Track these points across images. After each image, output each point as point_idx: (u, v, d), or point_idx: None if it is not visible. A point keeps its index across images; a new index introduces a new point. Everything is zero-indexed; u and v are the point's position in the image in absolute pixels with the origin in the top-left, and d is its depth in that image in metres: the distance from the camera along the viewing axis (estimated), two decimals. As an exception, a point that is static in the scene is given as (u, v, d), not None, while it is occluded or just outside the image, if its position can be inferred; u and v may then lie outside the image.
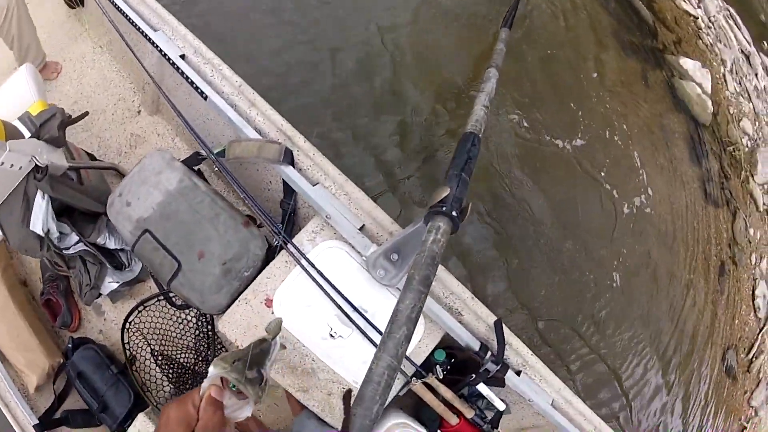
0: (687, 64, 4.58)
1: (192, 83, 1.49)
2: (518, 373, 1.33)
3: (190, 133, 1.37)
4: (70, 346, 1.72)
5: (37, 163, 1.31)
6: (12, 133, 1.42)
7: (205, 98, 1.45)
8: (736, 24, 6.50)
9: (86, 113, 1.67)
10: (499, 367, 1.26)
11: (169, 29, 1.61)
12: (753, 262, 3.76)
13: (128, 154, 2.15)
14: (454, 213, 1.01)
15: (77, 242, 1.50)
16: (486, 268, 2.71)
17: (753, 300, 3.58)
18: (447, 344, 1.36)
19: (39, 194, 1.35)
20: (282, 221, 1.51)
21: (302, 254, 1.27)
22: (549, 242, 2.87)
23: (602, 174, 3.26)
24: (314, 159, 1.39)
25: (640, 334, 2.97)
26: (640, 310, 3.03)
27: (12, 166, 1.26)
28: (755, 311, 3.55)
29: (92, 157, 1.96)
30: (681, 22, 5.32)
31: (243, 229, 1.33)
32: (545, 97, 3.30)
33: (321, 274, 1.25)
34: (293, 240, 1.31)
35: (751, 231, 3.88)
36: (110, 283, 1.79)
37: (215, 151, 1.36)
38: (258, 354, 0.84)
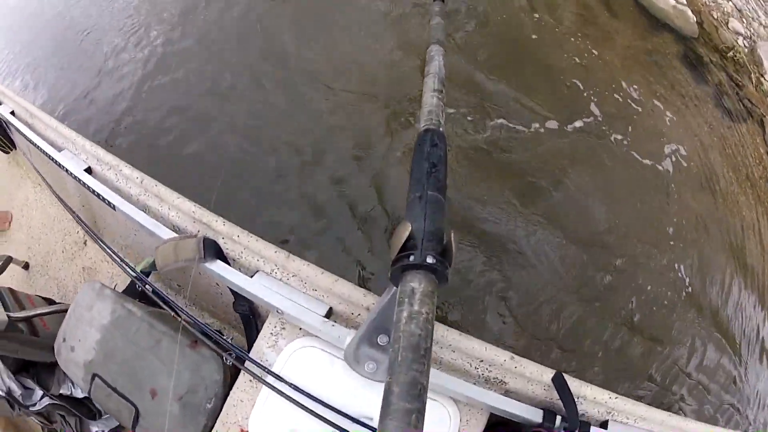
0: (650, -23, 4.20)
1: (98, 195, 1.38)
2: (604, 424, 1.02)
3: (107, 252, 1.22)
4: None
5: None
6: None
7: (114, 208, 1.34)
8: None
9: (9, 258, 1.66)
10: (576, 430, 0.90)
11: (71, 145, 1.54)
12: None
13: None
14: (430, 259, 0.65)
15: (42, 397, 1.43)
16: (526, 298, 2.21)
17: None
18: (498, 420, 0.99)
19: (-18, 354, 1.27)
20: (245, 328, 1.23)
21: (264, 368, 0.93)
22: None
23: (623, 141, 2.81)
24: (242, 242, 1.12)
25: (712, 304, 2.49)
26: (705, 276, 2.56)
27: None
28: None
29: (51, 302, 1.86)
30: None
31: (190, 353, 1.12)
32: (513, 74, 2.90)
33: (296, 388, 0.90)
34: (252, 353, 1.01)
35: (787, 136, 3.42)
36: (97, 433, 1.75)
37: (139, 267, 1.20)
38: None
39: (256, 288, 1.00)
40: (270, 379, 0.93)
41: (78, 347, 1.22)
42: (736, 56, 3.86)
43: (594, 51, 3.26)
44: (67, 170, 1.46)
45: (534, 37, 3.20)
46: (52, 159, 1.51)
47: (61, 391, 1.46)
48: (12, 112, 1.86)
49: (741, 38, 4.28)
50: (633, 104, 3.05)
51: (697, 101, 3.26)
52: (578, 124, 2.77)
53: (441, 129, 1.29)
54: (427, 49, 2.38)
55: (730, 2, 4.74)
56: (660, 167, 2.79)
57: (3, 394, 1.30)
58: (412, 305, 0.62)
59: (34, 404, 1.39)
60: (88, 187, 1.40)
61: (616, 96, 3.05)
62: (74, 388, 1.52)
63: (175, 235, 1.15)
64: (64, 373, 1.43)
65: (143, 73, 2.92)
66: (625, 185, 2.68)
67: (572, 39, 3.28)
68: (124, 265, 1.16)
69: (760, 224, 2.87)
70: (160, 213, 1.25)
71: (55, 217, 2.23)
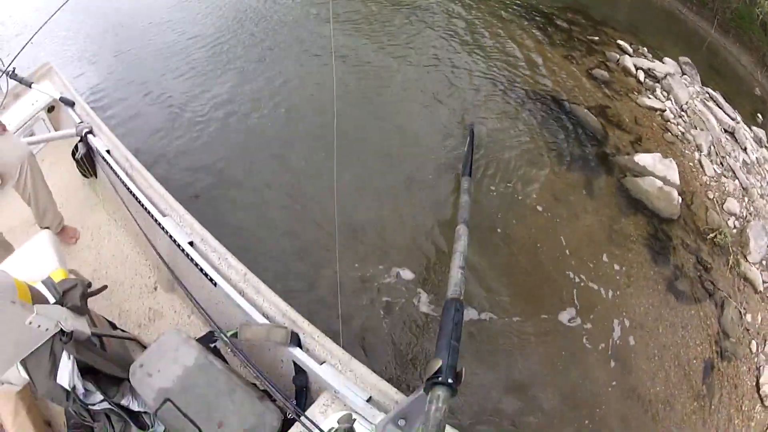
0: (644, 159, 4.75)
1: (201, 269, 1.58)
2: None
3: (205, 318, 1.51)
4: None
5: (63, 328, 1.39)
6: (37, 297, 1.46)
7: (215, 284, 1.56)
8: (717, 104, 6.82)
9: (105, 287, 1.74)
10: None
11: (177, 216, 1.73)
12: (754, 350, 3.61)
13: (147, 326, 2.23)
14: (450, 381, 1.14)
15: (102, 400, 1.54)
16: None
17: (758, 390, 3.40)
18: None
19: (65, 354, 1.41)
20: (296, 396, 1.64)
21: (315, 425, 1.31)
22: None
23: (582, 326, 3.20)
24: (319, 340, 1.50)
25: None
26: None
27: (39, 326, 1.34)
28: (762, 401, 3.35)
29: (113, 326, 2.03)
30: (643, 120, 5.65)
31: (259, 403, 1.45)
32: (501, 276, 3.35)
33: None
34: (307, 413, 1.40)
35: (749, 317, 3.77)
36: (136, 440, 1.85)
37: (228, 333, 1.50)
38: None
39: (323, 372, 1.37)
40: (316, 432, 1.23)
41: (156, 375, 1.45)
42: (716, 239, 4.20)
43: (555, 229, 3.69)
44: (171, 236, 1.60)
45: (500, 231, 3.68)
46: (155, 220, 1.64)
47: (122, 402, 1.56)
48: (108, 151, 1.98)
49: (733, 218, 4.60)
50: (580, 286, 3.40)
51: (645, 281, 3.61)
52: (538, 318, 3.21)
53: (461, 298, 1.83)
54: (456, 227, 3.06)
55: (737, 180, 5.11)
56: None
57: (68, 388, 1.41)
58: (437, 403, 1.06)
59: (93, 404, 1.49)
60: (191, 259, 1.56)
61: (569, 276, 3.44)
62: (132, 402, 1.63)
63: (267, 321, 1.49)
64: (131, 389, 1.58)
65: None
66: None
67: (537, 213, 3.79)
68: (216, 328, 1.45)
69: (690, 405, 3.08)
70: (254, 301, 1.51)
71: (128, 256, 2.34)
